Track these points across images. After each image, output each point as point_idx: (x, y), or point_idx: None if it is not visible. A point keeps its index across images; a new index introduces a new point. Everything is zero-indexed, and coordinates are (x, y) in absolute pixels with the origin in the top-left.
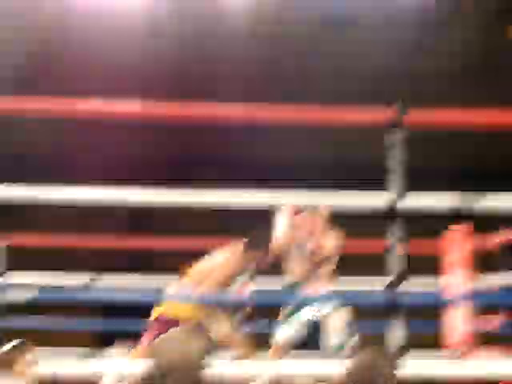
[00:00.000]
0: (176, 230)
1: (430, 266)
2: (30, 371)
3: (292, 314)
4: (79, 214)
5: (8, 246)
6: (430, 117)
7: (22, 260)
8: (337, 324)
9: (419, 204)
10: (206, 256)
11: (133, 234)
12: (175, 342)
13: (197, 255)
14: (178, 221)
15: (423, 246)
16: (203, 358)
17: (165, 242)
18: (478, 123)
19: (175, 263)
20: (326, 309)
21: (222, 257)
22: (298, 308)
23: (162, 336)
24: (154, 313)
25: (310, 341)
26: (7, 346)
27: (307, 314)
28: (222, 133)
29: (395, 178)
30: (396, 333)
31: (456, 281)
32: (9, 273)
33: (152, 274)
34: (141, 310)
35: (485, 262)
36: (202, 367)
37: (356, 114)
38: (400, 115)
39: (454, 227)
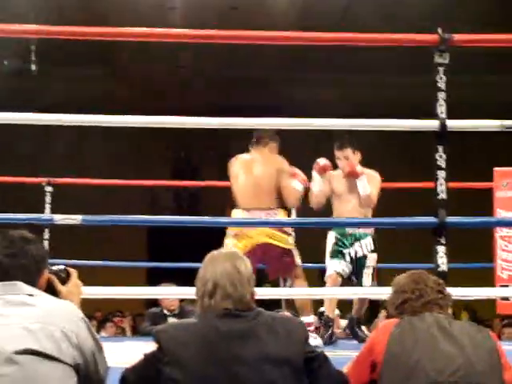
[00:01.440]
0: None
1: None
2: (77, 291)
3: (341, 248)
4: None
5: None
6: (473, 39)
7: None
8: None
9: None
10: None
11: None
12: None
13: None
14: None
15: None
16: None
17: None
18: None
19: None
20: (370, 246)
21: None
22: (348, 244)
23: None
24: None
25: (356, 273)
26: (54, 268)
27: (356, 249)
28: None
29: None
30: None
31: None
32: None
33: None
34: None
35: None
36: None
37: (402, 37)
38: (445, 38)
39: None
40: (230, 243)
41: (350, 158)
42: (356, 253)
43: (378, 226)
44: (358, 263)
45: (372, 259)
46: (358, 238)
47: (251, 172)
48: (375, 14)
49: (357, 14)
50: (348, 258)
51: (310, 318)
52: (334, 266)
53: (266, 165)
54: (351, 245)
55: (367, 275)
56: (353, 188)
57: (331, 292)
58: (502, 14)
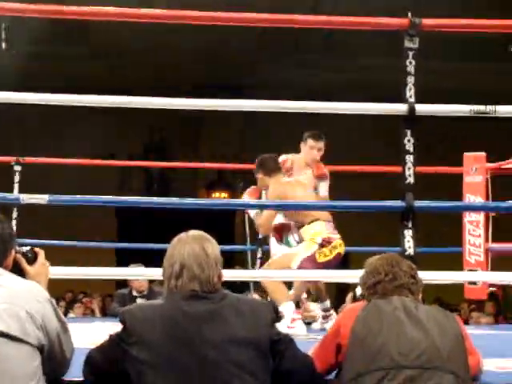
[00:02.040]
0: None
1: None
2: (44, 272)
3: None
4: None
5: None
6: (444, 24)
7: None
8: None
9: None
10: None
11: None
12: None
13: None
14: None
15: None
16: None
17: None
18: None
19: None
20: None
21: None
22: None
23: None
24: None
25: None
26: (21, 248)
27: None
28: None
29: (410, 88)
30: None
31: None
32: None
33: None
34: None
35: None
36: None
37: (372, 20)
38: (415, 22)
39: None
40: (315, 249)
41: (322, 149)
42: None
43: (347, 210)
44: None
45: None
46: None
47: None
48: None
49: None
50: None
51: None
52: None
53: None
54: None
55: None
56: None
57: (300, 274)
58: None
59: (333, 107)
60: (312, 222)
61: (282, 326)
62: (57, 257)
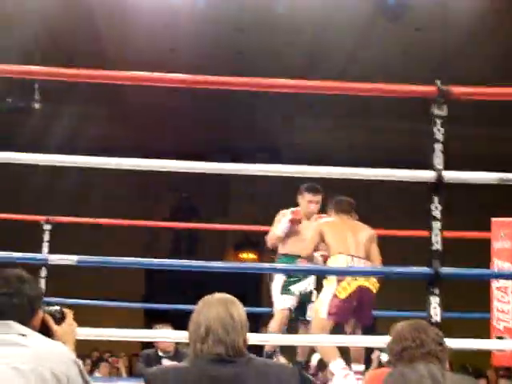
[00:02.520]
0: None
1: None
2: (71, 332)
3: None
4: None
5: None
6: (473, 92)
7: None
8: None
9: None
10: None
11: None
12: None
13: None
14: None
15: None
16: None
17: None
18: None
19: None
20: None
21: None
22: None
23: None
24: None
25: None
26: (49, 308)
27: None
28: None
29: (438, 156)
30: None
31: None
32: None
33: None
34: None
35: None
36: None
37: (401, 88)
38: (443, 90)
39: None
40: (334, 287)
41: (320, 202)
42: (305, 288)
43: (373, 275)
44: (303, 298)
45: (315, 295)
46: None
47: None
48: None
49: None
50: (297, 293)
51: (360, 367)
52: (286, 302)
53: None
54: (299, 281)
55: (312, 310)
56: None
57: (331, 340)
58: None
59: (359, 173)
60: (335, 255)
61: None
62: (84, 316)
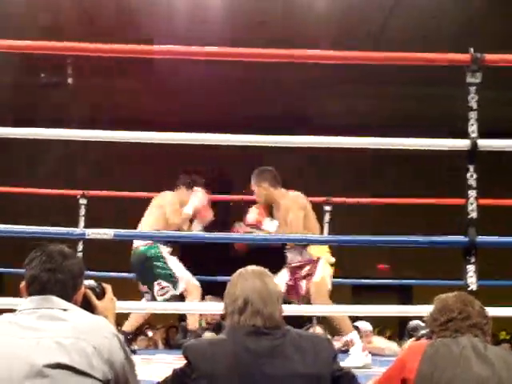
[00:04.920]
0: None
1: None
2: (111, 306)
3: None
4: None
5: None
6: (508, 59)
7: None
8: None
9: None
10: None
11: None
12: None
13: None
14: None
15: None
16: None
17: None
18: None
19: None
20: None
21: None
22: None
23: None
24: None
25: None
26: (89, 283)
27: None
28: None
29: (473, 123)
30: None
31: None
32: None
33: None
34: None
35: None
36: None
37: (435, 56)
38: (477, 57)
39: None
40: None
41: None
42: None
43: (407, 245)
44: None
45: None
46: None
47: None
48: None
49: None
50: None
51: (351, 335)
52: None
53: None
54: None
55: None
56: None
57: (362, 310)
58: None
59: (394, 143)
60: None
61: (356, 352)
62: (121, 289)
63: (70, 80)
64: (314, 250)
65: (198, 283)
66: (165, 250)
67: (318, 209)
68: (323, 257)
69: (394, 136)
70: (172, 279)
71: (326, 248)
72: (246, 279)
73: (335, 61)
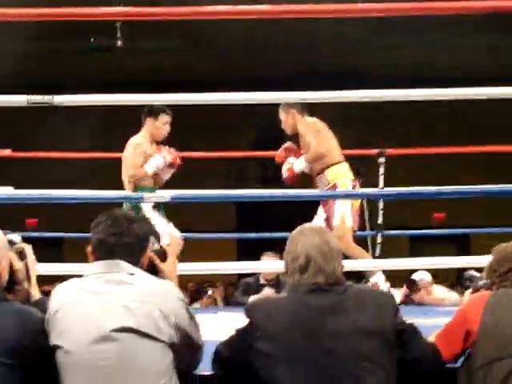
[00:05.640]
0: None
1: None
2: (174, 269)
3: None
4: None
5: None
6: None
7: None
8: None
9: None
10: None
11: None
12: None
13: None
14: None
15: None
16: None
17: None
18: None
19: None
20: None
21: None
22: None
23: None
24: None
25: None
26: (152, 247)
27: None
28: None
29: None
30: None
31: None
32: None
33: None
34: None
35: None
36: None
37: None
38: None
39: None
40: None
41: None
42: None
43: (465, 195)
44: None
45: None
46: None
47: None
48: None
49: None
50: None
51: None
52: None
53: None
54: None
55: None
56: None
57: (422, 262)
58: None
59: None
60: (338, 163)
61: None
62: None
63: (119, 42)
64: (330, 176)
65: (179, 235)
66: (147, 207)
67: (372, 161)
68: (338, 182)
69: None
70: None
71: (343, 171)
72: (306, 237)
73: (385, 13)
